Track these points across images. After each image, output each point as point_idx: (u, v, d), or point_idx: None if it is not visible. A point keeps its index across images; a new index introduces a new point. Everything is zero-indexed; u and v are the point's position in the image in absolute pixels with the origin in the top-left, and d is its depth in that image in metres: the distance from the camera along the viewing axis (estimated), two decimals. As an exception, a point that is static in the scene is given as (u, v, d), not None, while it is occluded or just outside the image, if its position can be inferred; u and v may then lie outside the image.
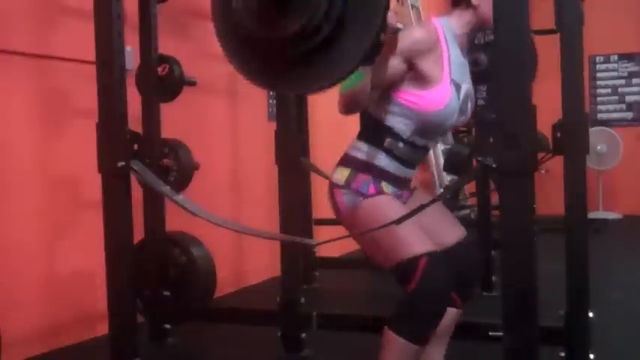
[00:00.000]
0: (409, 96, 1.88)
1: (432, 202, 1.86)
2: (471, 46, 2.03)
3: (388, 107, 1.90)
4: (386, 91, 1.90)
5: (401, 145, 1.91)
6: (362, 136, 1.96)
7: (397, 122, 1.90)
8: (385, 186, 1.91)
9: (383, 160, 1.91)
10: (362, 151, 1.92)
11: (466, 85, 1.96)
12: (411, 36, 1.83)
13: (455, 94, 1.89)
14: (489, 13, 1.84)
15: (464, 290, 1.97)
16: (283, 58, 1.54)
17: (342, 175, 1.91)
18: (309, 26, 1.46)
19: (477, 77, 2.05)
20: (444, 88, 1.87)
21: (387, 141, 1.90)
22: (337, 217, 1.96)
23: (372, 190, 1.87)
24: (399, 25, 1.64)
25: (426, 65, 1.85)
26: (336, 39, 1.47)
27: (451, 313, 1.95)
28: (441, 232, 1.96)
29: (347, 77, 1.55)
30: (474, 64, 2.06)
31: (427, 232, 1.86)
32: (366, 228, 1.83)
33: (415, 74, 1.86)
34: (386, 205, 1.86)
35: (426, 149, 2.00)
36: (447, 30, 1.93)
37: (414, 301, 1.76)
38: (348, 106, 1.82)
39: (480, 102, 2.09)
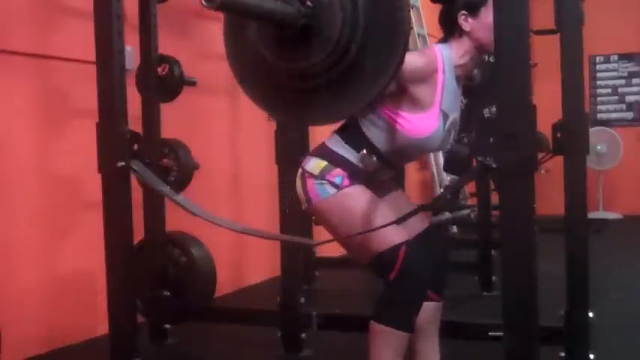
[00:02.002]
0: (396, 116, 1.87)
1: (433, 201, 1.86)
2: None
3: (373, 119, 1.89)
4: (373, 103, 1.87)
5: (374, 159, 1.89)
6: (343, 133, 1.93)
7: (378, 136, 1.89)
8: (358, 184, 1.90)
9: (358, 162, 1.90)
10: (341, 147, 1.90)
11: (454, 115, 1.96)
12: (411, 63, 1.80)
13: (441, 124, 1.89)
14: (485, 38, 1.87)
15: (436, 282, 1.97)
16: (294, 91, 1.54)
17: (317, 165, 1.88)
18: (321, 65, 1.45)
19: (470, 92, 2.06)
20: (432, 117, 1.87)
21: (363, 152, 1.88)
22: (306, 206, 1.93)
23: (346, 183, 1.86)
24: None
25: (419, 91, 1.85)
26: (347, 79, 1.47)
27: (428, 308, 1.96)
28: (409, 221, 1.94)
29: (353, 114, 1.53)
30: (468, 79, 2.06)
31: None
32: (339, 220, 1.85)
33: (407, 96, 1.86)
34: (359, 195, 1.86)
35: (397, 167, 2.00)
36: (447, 59, 1.91)
37: (398, 287, 1.79)
38: None
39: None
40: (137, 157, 2.11)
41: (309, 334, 2.78)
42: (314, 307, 2.93)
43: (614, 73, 8.06)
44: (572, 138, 2.30)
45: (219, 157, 4.09)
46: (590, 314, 2.35)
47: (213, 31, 4.06)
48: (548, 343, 2.08)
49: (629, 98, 8.04)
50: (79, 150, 2.93)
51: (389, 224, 1.76)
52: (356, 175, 1.89)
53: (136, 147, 2.12)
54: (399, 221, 1.79)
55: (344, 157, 1.89)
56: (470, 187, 6.37)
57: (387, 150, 1.90)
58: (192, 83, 3.18)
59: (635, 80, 8.00)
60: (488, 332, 2.41)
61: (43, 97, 2.95)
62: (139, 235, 2.80)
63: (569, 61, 2.32)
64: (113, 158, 2.10)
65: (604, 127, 7.51)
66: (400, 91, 1.85)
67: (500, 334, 1.65)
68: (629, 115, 8.04)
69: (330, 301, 3.77)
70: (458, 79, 1.96)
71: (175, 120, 3.28)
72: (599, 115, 8.07)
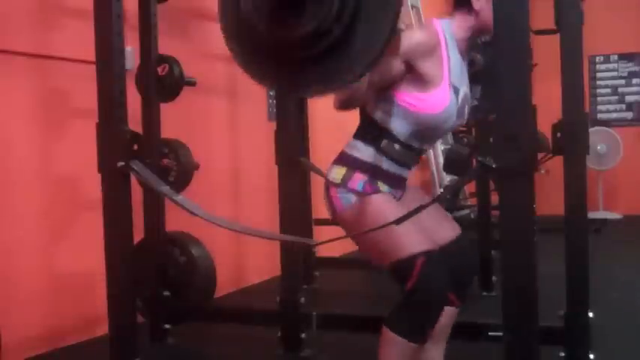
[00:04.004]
0: (408, 97, 1.87)
1: (433, 201, 1.86)
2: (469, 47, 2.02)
3: (386, 108, 1.89)
4: (384, 91, 1.89)
5: (397, 147, 1.90)
6: (359, 134, 1.95)
7: (395, 124, 1.89)
8: (381, 185, 1.90)
9: (379, 160, 1.90)
10: (358, 149, 1.91)
11: (464, 89, 1.96)
12: (412, 38, 1.82)
13: (454, 98, 1.89)
14: (490, 21, 1.85)
15: (460, 289, 1.97)
16: (293, 60, 1.53)
17: (338, 173, 1.90)
18: (320, 28, 1.44)
19: (473, 77, 2.05)
20: (443, 92, 1.86)
21: (384, 142, 1.89)
22: (333, 217, 1.95)
23: (368, 189, 1.87)
24: (401, 26, 1.64)
25: (425, 67, 1.84)
26: (346, 41, 1.45)
27: (449, 313, 1.95)
28: (436, 230, 1.95)
29: (357, 79, 1.55)
30: (470, 65, 2.05)
31: (423, 230, 1.86)
32: (363, 227, 1.83)
33: (414, 76, 1.86)
34: (383, 204, 1.86)
35: (421, 152, 2.00)
36: (448, 33, 1.92)
37: (412, 299, 1.77)
38: (343, 102, 1.83)
39: (474, 102, 2.08)
40: (137, 157, 2.11)
41: (309, 334, 2.78)
42: (314, 307, 2.93)
43: (614, 73, 8.06)
44: (572, 138, 2.30)
45: (219, 157, 4.09)
46: (590, 314, 2.35)
47: (213, 31, 4.05)
48: (548, 343, 2.08)
49: (629, 98, 8.04)
50: (79, 150, 2.93)
51: (389, 223, 1.74)
52: (377, 175, 1.89)
53: (136, 147, 2.12)
54: (399, 221, 1.77)
55: (361, 159, 1.89)
56: (470, 187, 6.38)
57: (406, 136, 1.90)
58: (192, 83, 3.18)
59: (635, 80, 8.00)
60: (488, 332, 2.41)
61: (43, 97, 2.95)
62: (139, 235, 2.80)
63: (569, 61, 2.32)
64: (113, 158, 2.10)
65: (604, 127, 7.51)
66: (409, 71, 1.85)
67: (500, 334, 1.65)
68: (629, 115, 8.04)
69: (330, 301, 3.77)
70: (461, 53, 1.95)
71: (175, 120, 3.28)
72: (599, 115, 8.07)
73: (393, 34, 1.47)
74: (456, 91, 1.90)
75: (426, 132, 1.93)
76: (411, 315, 1.79)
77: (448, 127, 1.95)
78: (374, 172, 1.89)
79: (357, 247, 1.99)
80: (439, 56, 1.87)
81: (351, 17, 1.45)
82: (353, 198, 1.86)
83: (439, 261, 1.80)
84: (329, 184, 1.92)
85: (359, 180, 1.87)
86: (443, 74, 1.87)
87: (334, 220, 1.96)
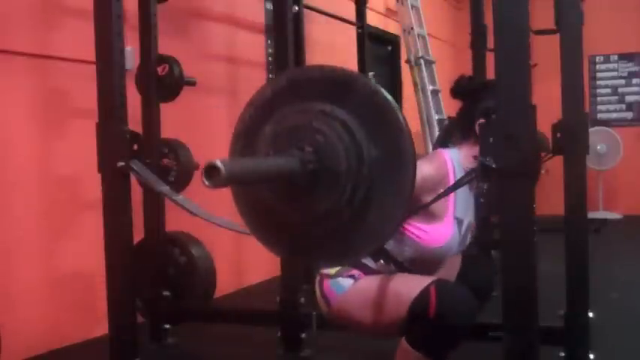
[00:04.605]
0: (412, 227, 1.85)
1: (427, 206, 1.83)
2: None
3: None
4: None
5: (392, 268, 1.87)
6: None
7: (395, 247, 1.86)
8: None
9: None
10: None
11: (468, 219, 1.95)
12: (420, 172, 1.77)
13: (457, 231, 1.88)
14: None
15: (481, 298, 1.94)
16: (310, 236, 1.52)
17: (333, 269, 1.88)
18: (339, 201, 1.42)
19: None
20: (447, 226, 1.86)
21: (379, 263, 1.86)
22: (327, 310, 1.90)
23: (361, 277, 1.85)
24: None
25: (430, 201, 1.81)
26: (358, 223, 1.44)
27: None
28: (442, 273, 1.93)
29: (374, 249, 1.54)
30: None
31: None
32: (361, 306, 1.81)
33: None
34: (374, 277, 1.84)
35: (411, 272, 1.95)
36: (457, 164, 1.90)
37: (440, 321, 1.72)
38: None
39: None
40: (137, 157, 2.11)
41: (309, 334, 2.78)
42: (314, 307, 2.92)
43: (614, 73, 8.06)
44: (572, 138, 2.30)
45: (219, 157, 4.08)
46: (590, 314, 2.35)
47: (213, 31, 4.06)
48: (548, 343, 2.08)
49: (629, 98, 8.03)
50: (79, 150, 2.93)
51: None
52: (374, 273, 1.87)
53: (135, 147, 2.12)
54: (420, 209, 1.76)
55: (361, 262, 1.86)
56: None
57: (404, 259, 1.87)
58: (193, 83, 3.18)
59: (635, 80, 8.00)
60: (488, 332, 2.41)
61: (43, 97, 2.95)
62: (139, 235, 2.80)
63: (569, 61, 2.32)
64: (113, 158, 2.10)
65: (604, 127, 7.50)
66: (413, 201, 1.77)
67: (500, 334, 1.65)
68: (629, 115, 8.04)
69: (330, 301, 3.77)
70: (470, 182, 1.90)
71: (175, 120, 3.28)
72: (599, 115, 8.06)
73: (405, 218, 1.46)
74: (460, 223, 1.89)
75: (425, 260, 1.90)
76: (436, 336, 1.74)
77: (448, 256, 1.93)
78: (370, 272, 1.87)
79: None
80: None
81: (361, 202, 1.43)
82: (346, 283, 1.84)
83: (454, 284, 1.79)
84: (322, 278, 1.89)
85: (355, 272, 1.86)
86: (448, 208, 1.86)
87: (328, 317, 1.92)
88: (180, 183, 3.02)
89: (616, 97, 8.07)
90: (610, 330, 2.89)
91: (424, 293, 1.73)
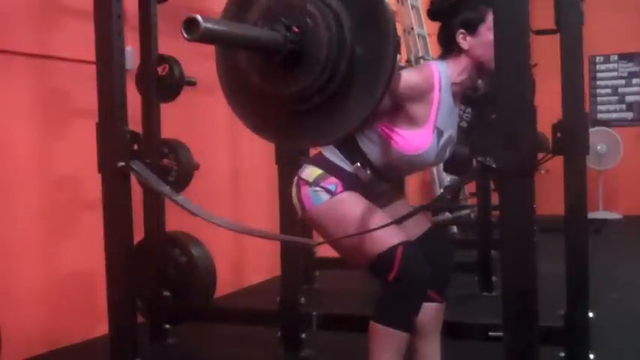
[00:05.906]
0: (391, 132, 1.87)
1: (428, 206, 1.86)
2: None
3: (369, 133, 1.90)
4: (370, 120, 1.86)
5: (368, 172, 1.90)
6: (339, 144, 1.93)
7: (372, 150, 1.90)
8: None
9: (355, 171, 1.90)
10: (337, 157, 1.91)
11: (450, 132, 1.96)
12: (406, 80, 1.81)
13: (435, 141, 1.89)
14: (484, 56, 1.88)
15: (438, 283, 1.96)
16: (287, 114, 1.54)
17: (312, 173, 1.89)
18: (312, 87, 1.44)
19: (474, 102, 2.06)
20: (426, 134, 1.87)
21: (356, 165, 1.89)
22: (301, 215, 1.94)
23: (339, 190, 1.86)
24: (401, 64, 1.65)
25: (413, 109, 1.85)
26: (340, 98, 1.46)
27: (430, 309, 1.96)
28: (407, 225, 1.93)
29: (348, 134, 1.57)
30: (472, 90, 2.06)
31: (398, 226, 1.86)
32: (334, 225, 1.85)
33: (402, 113, 1.86)
34: (354, 201, 1.86)
35: (390, 180, 2.00)
36: (444, 77, 1.91)
37: (397, 287, 1.78)
38: None
39: (463, 124, 2.10)
40: (137, 157, 2.11)
41: (309, 334, 2.78)
42: (314, 307, 2.93)
43: (614, 73, 8.07)
44: (572, 138, 2.30)
45: (219, 157, 4.09)
46: (590, 314, 2.35)
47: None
48: (548, 343, 2.08)
49: (629, 98, 8.04)
50: (79, 150, 2.93)
51: (388, 224, 1.76)
52: (351, 184, 1.88)
53: (136, 147, 2.12)
54: (399, 221, 1.79)
55: (339, 166, 1.89)
56: (470, 187, 6.38)
57: (380, 164, 1.91)
58: (193, 83, 3.18)
59: (635, 80, 8.01)
60: (488, 332, 2.41)
61: (43, 97, 2.95)
62: (139, 235, 2.80)
63: (569, 61, 2.32)
64: (113, 158, 2.10)
65: (604, 127, 7.51)
66: (396, 107, 1.85)
67: (500, 334, 1.65)
68: (629, 115, 8.04)
69: (330, 301, 3.77)
70: (455, 96, 1.95)
71: (175, 120, 3.28)
72: (599, 115, 8.07)
73: (390, 80, 1.49)
74: (440, 133, 1.90)
75: (400, 166, 1.94)
76: (395, 303, 1.81)
77: (424, 166, 1.97)
78: (349, 181, 1.88)
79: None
80: (430, 100, 1.87)
81: (343, 77, 1.45)
82: (324, 196, 1.86)
83: (417, 250, 1.82)
84: (300, 182, 1.91)
85: (333, 182, 1.87)
86: (429, 117, 1.87)
87: (301, 218, 1.96)
88: (181, 183, 3.02)
89: (616, 98, 8.08)
90: (610, 330, 2.89)
91: (390, 253, 1.77)
